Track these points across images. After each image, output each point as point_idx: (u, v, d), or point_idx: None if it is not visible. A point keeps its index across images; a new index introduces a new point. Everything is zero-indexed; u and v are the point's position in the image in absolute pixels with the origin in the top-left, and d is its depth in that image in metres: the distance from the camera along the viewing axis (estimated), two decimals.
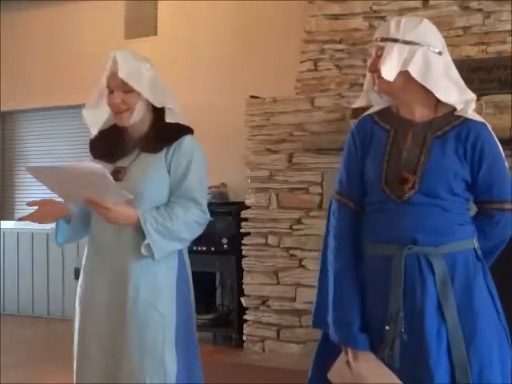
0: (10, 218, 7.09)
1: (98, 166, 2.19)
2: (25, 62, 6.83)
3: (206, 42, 5.90)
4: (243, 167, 5.10)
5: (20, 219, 2.48)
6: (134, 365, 2.33)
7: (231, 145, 5.45)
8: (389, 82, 2.07)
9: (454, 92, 2.09)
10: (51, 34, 6.71)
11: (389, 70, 2.05)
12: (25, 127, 7.14)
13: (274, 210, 4.97)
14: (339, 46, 4.99)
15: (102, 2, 6.38)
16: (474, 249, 2.09)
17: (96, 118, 2.52)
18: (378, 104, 2.24)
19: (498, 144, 2.14)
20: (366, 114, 2.25)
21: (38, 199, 2.47)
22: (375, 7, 4.86)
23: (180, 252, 2.46)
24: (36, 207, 2.46)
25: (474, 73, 4.32)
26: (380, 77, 2.09)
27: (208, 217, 2.45)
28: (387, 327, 2.02)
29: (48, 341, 5.84)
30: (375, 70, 2.11)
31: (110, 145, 2.49)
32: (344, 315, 2.11)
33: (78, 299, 2.53)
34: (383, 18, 4.63)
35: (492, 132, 2.14)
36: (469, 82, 4.30)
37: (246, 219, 5.07)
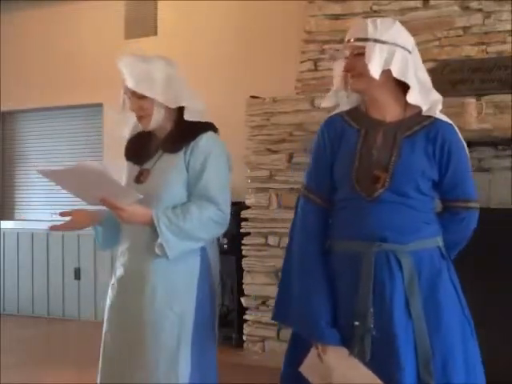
0: (10, 218, 7.10)
1: (96, 164, 2.19)
2: (25, 62, 6.83)
3: (206, 42, 5.90)
4: (243, 167, 5.10)
5: (53, 228, 2.48)
6: (149, 365, 2.33)
7: (231, 145, 5.42)
8: (368, 81, 2.12)
9: (420, 92, 2.14)
10: (51, 34, 6.71)
11: (376, 68, 2.09)
12: (25, 127, 7.14)
13: (273, 209, 4.97)
14: (339, 46, 4.98)
15: (102, 2, 6.38)
16: (439, 247, 2.15)
17: (125, 121, 2.54)
18: (344, 104, 2.28)
19: (465, 145, 2.21)
20: (335, 113, 2.29)
21: (69, 210, 2.51)
22: (375, 7, 4.86)
23: (203, 251, 2.44)
24: (69, 217, 2.49)
25: (474, 73, 4.32)
26: (357, 76, 2.14)
27: (227, 215, 2.42)
28: (356, 323, 2.05)
29: (48, 341, 5.84)
30: (351, 69, 2.15)
31: (138, 147, 2.51)
32: (311, 310, 2.14)
33: (108, 300, 2.53)
34: (386, 18, 4.63)
35: (459, 133, 2.20)
36: (469, 82, 4.38)
37: (246, 219, 5.07)
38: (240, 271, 5.11)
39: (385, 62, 2.10)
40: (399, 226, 2.09)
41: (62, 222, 2.52)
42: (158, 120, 2.42)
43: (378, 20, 2.16)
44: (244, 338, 5.07)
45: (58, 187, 2.43)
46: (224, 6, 5.83)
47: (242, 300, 5.07)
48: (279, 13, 5.58)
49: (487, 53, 4.45)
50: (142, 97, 2.38)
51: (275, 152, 4.97)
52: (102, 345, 2.50)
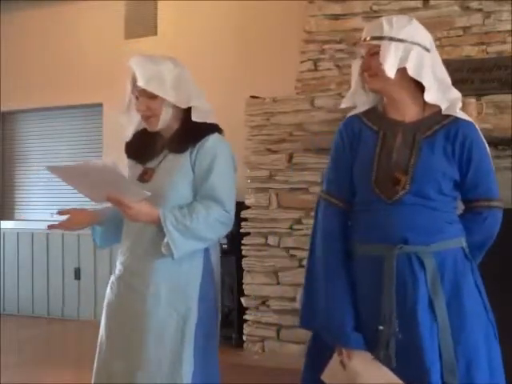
0: (10, 218, 7.10)
1: (109, 161, 2.17)
2: (25, 62, 6.83)
3: (206, 42, 5.90)
4: (243, 167, 5.10)
5: (50, 227, 2.46)
6: (152, 364, 2.33)
7: (231, 145, 5.44)
8: (385, 81, 2.09)
9: (439, 90, 2.11)
10: (51, 33, 6.71)
11: (390, 67, 2.06)
12: (25, 127, 7.14)
13: (273, 210, 4.97)
14: (339, 46, 4.99)
15: (102, 2, 6.38)
16: (462, 247, 2.12)
17: (130, 121, 2.53)
18: (363, 104, 2.25)
19: (486, 143, 2.17)
20: (352, 114, 2.26)
21: (68, 208, 2.50)
22: (375, 7, 4.86)
23: (206, 251, 2.43)
24: (67, 215, 2.46)
25: (474, 73, 4.32)
26: (374, 75, 2.11)
27: (232, 216, 2.41)
28: (381, 327, 2.03)
29: (48, 341, 5.84)
30: (368, 69, 2.13)
31: (141, 146, 2.49)
32: (336, 315, 2.11)
33: (106, 299, 2.52)
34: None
35: (479, 131, 2.16)
36: (469, 82, 4.38)
37: (245, 219, 5.07)
38: (240, 271, 5.11)
39: (400, 61, 2.07)
40: (421, 227, 2.05)
41: (60, 221, 2.49)
42: (165, 120, 2.41)
43: (394, 18, 2.13)
44: (244, 338, 5.07)
45: (58, 187, 2.43)
46: (224, 5, 5.83)
47: (242, 300, 5.07)
48: (279, 13, 5.58)
49: (487, 53, 4.46)
50: (151, 97, 2.36)
51: (275, 152, 4.97)
52: (98, 343, 2.48)
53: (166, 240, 2.29)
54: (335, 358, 2.13)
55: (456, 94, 2.15)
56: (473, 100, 4.10)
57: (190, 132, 2.43)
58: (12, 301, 6.91)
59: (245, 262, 5.07)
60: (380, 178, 2.10)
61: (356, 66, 2.22)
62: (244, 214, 5.07)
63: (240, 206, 5.14)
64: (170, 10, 6.15)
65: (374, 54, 2.10)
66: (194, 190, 2.40)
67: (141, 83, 2.35)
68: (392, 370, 2.02)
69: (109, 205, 2.36)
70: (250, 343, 5.03)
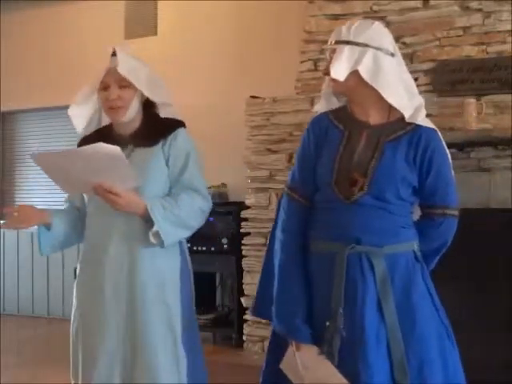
0: None
1: (115, 147, 2.18)
2: (25, 62, 6.83)
3: (206, 42, 5.90)
4: (243, 167, 5.10)
5: (3, 227, 2.42)
6: (149, 362, 2.33)
7: (231, 145, 5.45)
8: (342, 83, 2.12)
9: (403, 96, 2.12)
10: (51, 33, 6.71)
11: (338, 70, 2.10)
12: (25, 127, 7.14)
13: (273, 209, 4.96)
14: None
15: (102, 2, 6.38)
16: (414, 251, 2.15)
17: (81, 115, 2.57)
18: (335, 106, 2.28)
19: (447, 151, 2.20)
20: (322, 111, 2.29)
21: (16, 206, 2.46)
22: (375, 7, 4.86)
23: (180, 244, 2.47)
24: (15, 214, 2.40)
25: (474, 73, 4.32)
26: (334, 79, 2.14)
27: (211, 204, 2.47)
28: (327, 323, 2.06)
29: (48, 341, 5.84)
30: (328, 73, 2.16)
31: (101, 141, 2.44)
32: (288, 306, 2.15)
33: (75, 299, 2.51)
34: (383, 18, 4.63)
35: (442, 139, 2.18)
36: (469, 82, 4.37)
37: (246, 219, 5.07)
38: (240, 271, 5.11)
39: (354, 63, 2.09)
40: (375, 229, 2.09)
41: (8, 220, 2.42)
42: (132, 113, 2.43)
43: (358, 22, 2.17)
44: (244, 337, 5.07)
45: (57, 187, 2.41)
46: (224, 5, 5.83)
47: (242, 300, 5.07)
48: (279, 13, 5.58)
49: (487, 53, 4.45)
50: (124, 86, 2.39)
51: (275, 152, 4.97)
52: (81, 345, 2.43)
53: (154, 228, 2.30)
54: (290, 348, 2.16)
55: (420, 100, 2.16)
56: (473, 100, 4.10)
57: (158, 125, 2.46)
58: (12, 301, 6.91)
59: (245, 262, 5.06)
60: (340, 177, 2.12)
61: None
62: (244, 213, 5.07)
63: (240, 206, 5.15)
64: (170, 10, 6.15)
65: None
66: (168, 182, 2.42)
67: (121, 70, 2.37)
68: (335, 366, 2.05)
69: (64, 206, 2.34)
70: (250, 343, 5.03)
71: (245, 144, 5.08)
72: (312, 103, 4.83)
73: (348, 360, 2.04)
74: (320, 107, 2.30)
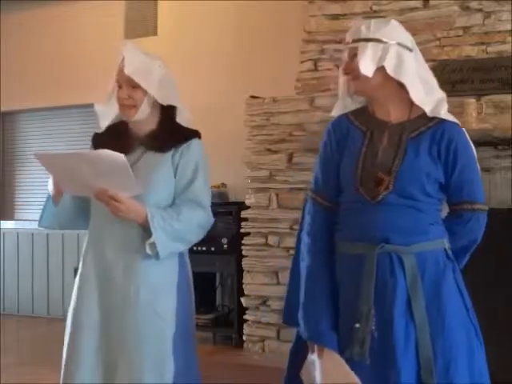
0: (10, 218, 7.10)
1: (120, 155, 2.17)
2: (25, 62, 6.83)
3: (206, 42, 5.90)
4: (243, 167, 5.10)
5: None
6: (132, 364, 2.32)
7: (231, 145, 5.45)
8: (365, 82, 2.11)
9: (422, 91, 2.12)
10: (51, 33, 6.71)
11: (367, 66, 2.08)
12: (25, 127, 7.14)
13: (273, 209, 4.97)
14: (339, 46, 4.98)
15: (102, 2, 6.38)
16: (445, 248, 2.13)
17: (106, 113, 2.51)
18: (351, 108, 2.26)
19: (472, 145, 2.17)
20: (341, 113, 2.27)
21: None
22: (375, 7, 4.86)
23: (181, 257, 2.45)
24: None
25: (474, 73, 4.32)
26: (355, 78, 2.13)
27: (212, 220, 2.46)
28: (357, 325, 2.04)
29: (48, 341, 5.83)
30: (350, 72, 2.14)
31: (112, 139, 2.45)
32: (314, 312, 2.13)
33: (73, 301, 2.49)
34: (383, 18, 4.63)
35: (465, 133, 2.17)
36: (469, 82, 4.37)
37: (246, 219, 5.07)
38: (240, 271, 5.11)
39: (378, 60, 2.08)
40: (403, 228, 2.06)
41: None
42: (143, 112, 2.41)
43: (373, 20, 2.16)
44: (244, 337, 5.07)
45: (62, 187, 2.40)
46: (224, 5, 5.83)
47: (242, 300, 5.07)
48: (279, 13, 5.58)
49: (487, 53, 4.45)
50: (134, 86, 2.37)
51: (275, 152, 4.96)
52: (75, 346, 2.40)
53: (151, 240, 2.29)
54: (310, 355, 2.14)
55: (440, 94, 2.15)
56: (473, 100, 4.10)
57: (174, 133, 2.43)
58: (12, 301, 6.91)
59: (245, 262, 5.06)
60: (364, 177, 2.11)
61: (341, 71, 2.23)
62: (244, 214, 5.07)
63: (240, 206, 5.15)
64: (169, 10, 6.15)
65: (354, 56, 2.12)
66: (173, 192, 2.40)
67: (127, 71, 2.35)
68: (366, 368, 2.03)
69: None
70: (250, 343, 5.03)
71: (245, 144, 5.08)
72: (312, 103, 4.84)
73: (378, 362, 2.02)
74: (337, 111, 2.28)
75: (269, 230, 4.98)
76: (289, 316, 2.28)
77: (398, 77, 2.10)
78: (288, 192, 4.92)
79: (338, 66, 4.96)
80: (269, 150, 4.99)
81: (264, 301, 4.99)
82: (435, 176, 2.09)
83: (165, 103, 2.43)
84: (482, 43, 4.48)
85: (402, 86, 2.13)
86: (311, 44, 5.08)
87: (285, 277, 4.91)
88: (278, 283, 4.94)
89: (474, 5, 4.53)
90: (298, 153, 4.85)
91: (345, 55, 2.19)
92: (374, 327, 2.02)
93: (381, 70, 2.10)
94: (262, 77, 5.49)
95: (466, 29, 4.55)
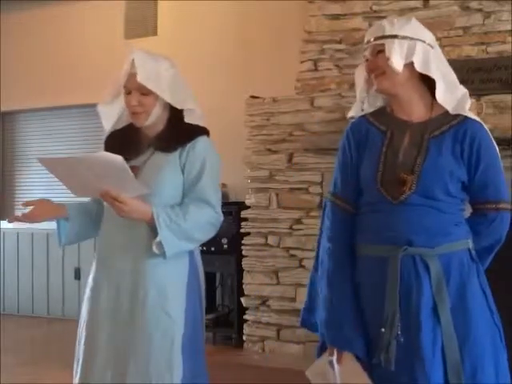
0: None
1: (118, 157, 2.16)
2: (25, 62, 6.83)
3: (206, 42, 5.90)
4: (243, 167, 5.10)
5: (11, 220, 2.39)
6: (141, 366, 2.32)
7: (231, 145, 5.44)
8: (392, 78, 2.08)
9: (442, 88, 2.09)
10: (51, 33, 6.71)
11: (397, 61, 2.06)
12: (25, 127, 7.14)
13: (273, 209, 4.97)
14: (339, 46, 4.99)
15: (102, 2, 6.38)
16: (469, 249, 2.09)
17: (110, 114, 2.50)
18: (368, 109, 2.23)
19: (495, 144, 2.14)
20: (360, 114, 2.24)
21: (34, 199, 2.44)
22: (375, 7, 4.86)
23: (191, 253, 2.44)
24: (31, 207, 2.41)
25: (474, 73, 4.32)
26: (380, 75, 2.10)
27: (221, 218, 2.44)
28: (383, 329, 2.00)
29: (48, 341, 5.84)
30: (375, 69, 2.11)
31: (124, 143, 2.46)
32: (336, 316, 2.10)
33: (86, 300, 2.50)
34: (383, 18, 4.62)
35: (489, 131, 2.13)
36: (469, 82, 4.38)
37: (246, 219, 5.07)
38: (240, 271, 5.11)
39: (406, 56, 2.06)
40: (427, 229, 2.02)
41: (24, 213, 2.41)
42: (154, 117, 2.40)
43: (395, 19, 2.14)
44: (244, 337, 5.07)
45: (59, 187, 2.41)
46: (224, 5, 5.83)
47: (242, 300, 5.07)
48: (279, 13, 5.58)
49: (487, 53, 4.46)
50: (145, 93, 2.35)
51: (275, 152, 4.97)
52: (81, 345, 2.44)
53: (158, 239, 2.28)
54: (323, 357, 2.12)
55: (463, 90, 2.13)
56: (473, 100, 4.09)
57: (181, 132, 2.42)
58: (12, 301, 6.91)
59: (245, 262, 5.07)
60: (386, 178, 2.07)
61: (360, 71, 2.20)
62: (244, 213, 5.07)
63: (240, 206, 5.15)
64: (169, 10, 6.16)
65: (379, 52, 2.09)
66: (182, 191, 2.39)
67: (140, 78, 2.33)
68: (392, 373, 2.00)
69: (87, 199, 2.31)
70: (250, 343, 5.04)
71: (245, 144, 5.08)
72: (312, 103, 4.84)
73: (405, 366, 1.99)
74: (355, 112, 2.26)
75: (269, 229, 4.99)
76: (309, 321, 2.26)
77: (426, 72, 2.07)
78: (288, 192, 4.92)
79: (338, 66, 4.98)
80: (269, 149, 5.00)
81: (264, 301, 5.00)
82: (458, 175, 2.05)
83: (180, 107, 2.41)
84: (482, 43, 4.48)
85: (424, 85, 2.12)
86: (311, 44, 5.09)
87: (285, 277, 4.93)
88: (278, 283, 4.95)
89: (473, 5, 4.53)
90: (298, 153, 4.86)
91: (365, 53, 2.15)
92: (399, 332, 1.98)
93: (407, 66, 2.07)
94: (262, 77, 5.49)
95: (465, 29, 4.56)
